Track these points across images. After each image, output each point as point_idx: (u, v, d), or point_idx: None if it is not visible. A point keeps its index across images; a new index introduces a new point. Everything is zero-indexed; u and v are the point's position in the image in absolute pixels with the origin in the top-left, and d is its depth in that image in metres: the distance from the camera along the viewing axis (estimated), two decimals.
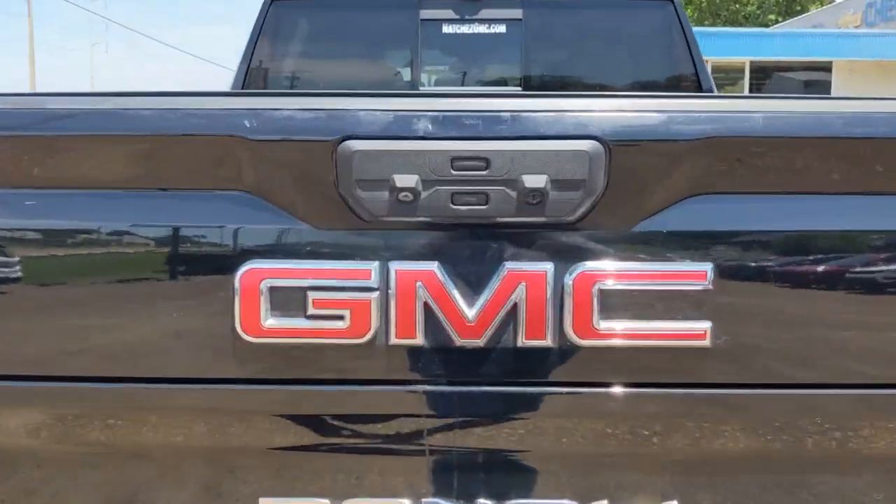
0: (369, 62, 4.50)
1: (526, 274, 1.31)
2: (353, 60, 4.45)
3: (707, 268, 1.30)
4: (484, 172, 1.29)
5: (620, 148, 1.29)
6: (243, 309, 1.31)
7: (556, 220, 1.31)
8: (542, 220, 1.31)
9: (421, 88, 4.30)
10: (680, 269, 1.31)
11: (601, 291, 1.30)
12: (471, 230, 1.33)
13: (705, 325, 1.31)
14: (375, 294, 1.31)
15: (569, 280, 1.31)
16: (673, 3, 4.25)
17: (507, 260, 1.32)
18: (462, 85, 4.45)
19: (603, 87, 4.38)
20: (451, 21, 4.30)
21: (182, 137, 1.32)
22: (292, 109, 1.32)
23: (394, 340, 1.32)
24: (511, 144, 1.29)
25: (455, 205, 1.30)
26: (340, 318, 1.31)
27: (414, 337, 1.32)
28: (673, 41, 4.33)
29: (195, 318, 1.35)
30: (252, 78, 4.31)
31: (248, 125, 1.30)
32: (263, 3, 4.34)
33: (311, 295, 1.31)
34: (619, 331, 1.31)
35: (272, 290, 1.32)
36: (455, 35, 4.32)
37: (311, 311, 1.31)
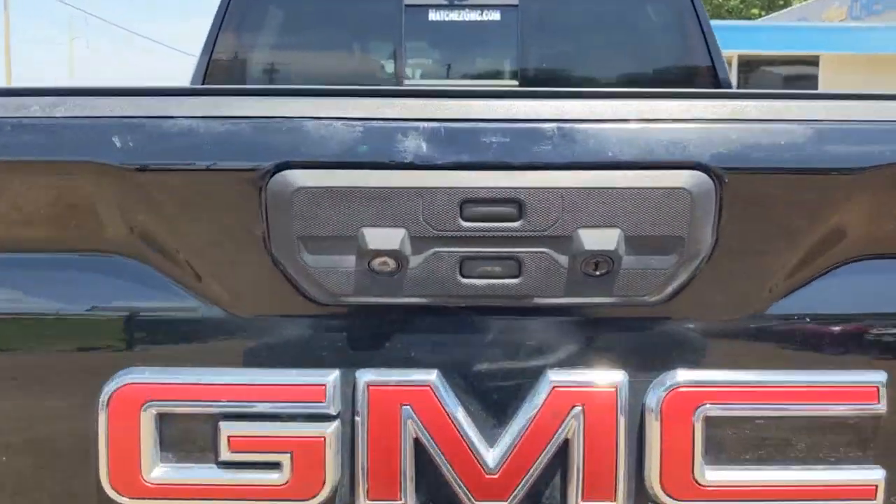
0: (346, 54, 3.95)
1: (583, 392, 0.79)
2: (327, 52, 3.90)
3: (880, 379, 0.79)
4: (515, 225, 0.76)
5: (740, 181, 0.77)
6: (114, 451, 0.78)
7: (634, 301, 0.79)
8: (610, 301, 0.79)
9: (405, 83, 3.77)
10: (835, 380, 0.80)
11: (708, 420, 0.79)
12: (492, 320, 0.81)
13: (875, 476, 0.80)
14: (334, 425, 0.78)
15: (655, 400, 0.79)
16: None
17: (551, 368, 0.80)
18: (450, 79, 3.91)
19: (610, 83, 3.87)
20: (438, 7, 3.76)
21: (3, 166, 0.79)
22: (193, 118, 0.78)
23: (365, 503, 0.79)
24: (559, 177, 0.77)
25: (466, 277, 0.77)
26: (275, 466, 0.78)
27: (397, 498, 0.79)
28: (687, 29, 3.82)
29: (32, 466, 0.82)
30: (213, 74, 3.76)
31: (118, 144, 0.77)
32: None
33: (227, 428, 0.78)
34: (736, 485, 0.79)
35: (163, 419, 0.79)
36: (443, 23, 3.78)
37: (226, 454, 0.79)
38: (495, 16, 3.79)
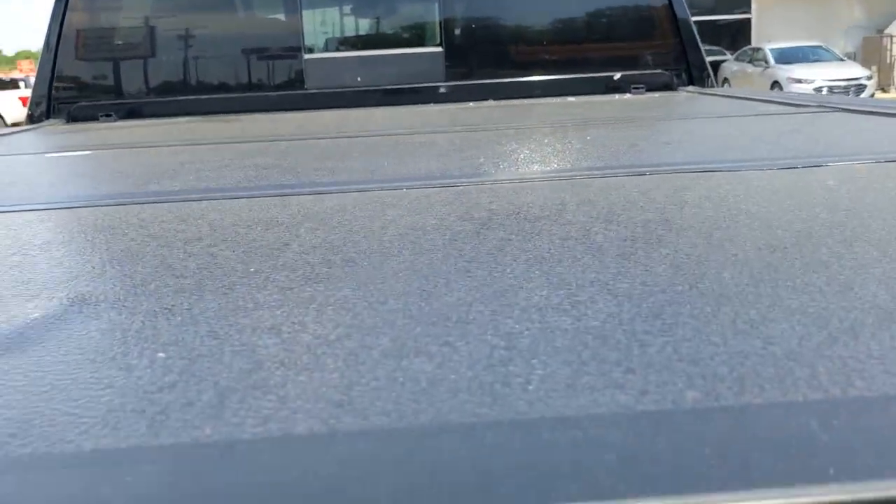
0: (232, 20, 3.25)
1: None
2: (209, 17, 3.19)
3: None
4: None
5: None
6: None
7: None
8: None
9: (306, 56, 3.11)
10: None
11: None
12: None
13: None
14: None
15: None
16: None
17: None
18: (362, 48, 3.26)
19: (549, 35, 3.26)
20: None
21: None
22: None
23: None
24: None
25: None
26: None
27: None
28: None
29: None
30: (69, 43, 3.04)
31: None
32: None
33: None
34: None
35: None
36: None
37: None
38: None
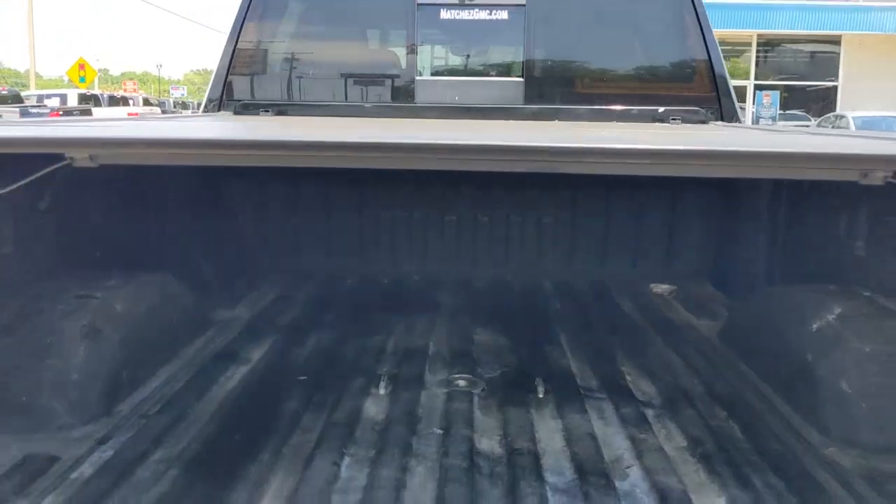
0: (361, 49, 4.22)
1: None
2: (343, 45, 4.16)
3: None
4: None
5: None
6: None
7: None
8: None
9: (417, 77, 4.03)
10: None
11: None
12: None
13: None
14: None
15: None
16: None
17: None
18: (461, 74, 4.17)
19: (609, 77, 4.10)
20: (449, 6, 4.01)
21: None
22: None
23: None
24: None
25: None
26: None
27: None
28: (685, 24, 4.04)
29: None
30: (239, 59, 4.04)
31: None
32: None
33: None
34: None
35: None
36: (453, 21, 4.04)
37: None
38: (503, 15, 4.03)
